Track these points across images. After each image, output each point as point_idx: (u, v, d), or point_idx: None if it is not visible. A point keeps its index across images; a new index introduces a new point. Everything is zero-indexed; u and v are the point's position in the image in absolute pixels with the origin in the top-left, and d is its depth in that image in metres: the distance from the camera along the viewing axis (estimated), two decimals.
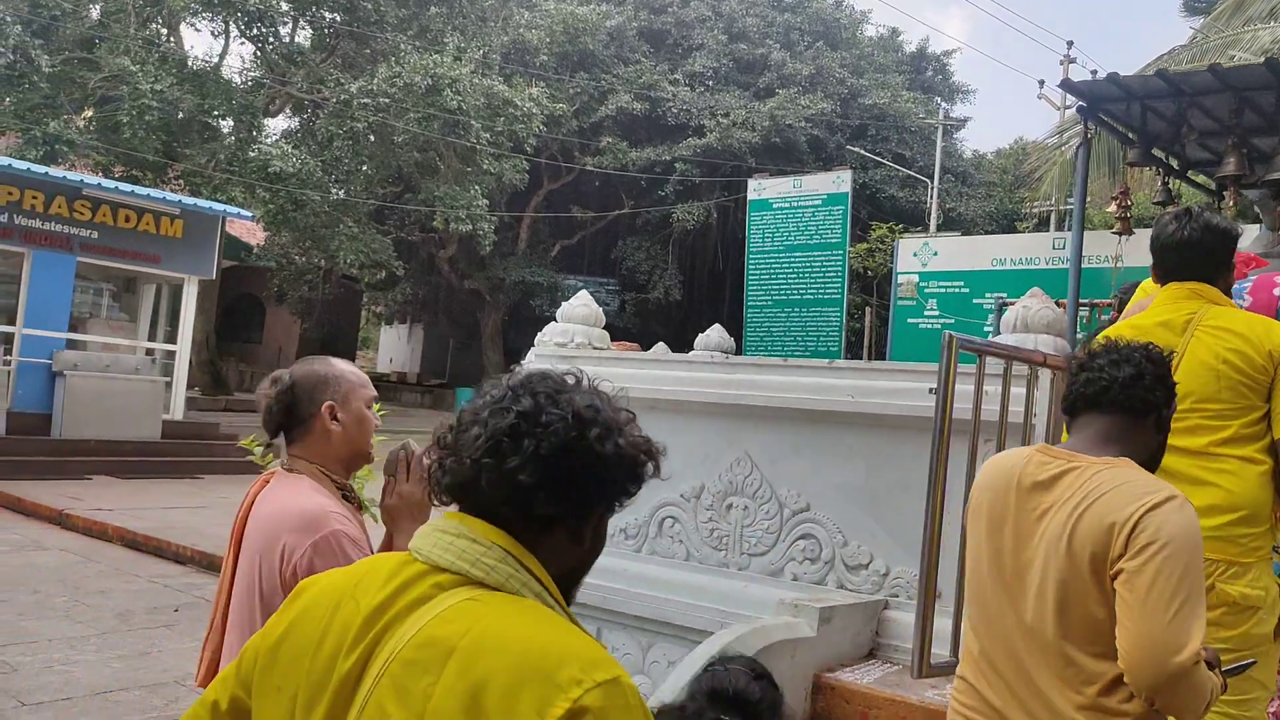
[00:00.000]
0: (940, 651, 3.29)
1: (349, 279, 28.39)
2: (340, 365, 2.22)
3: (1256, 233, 6.30)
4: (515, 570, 1.14)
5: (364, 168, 22.84)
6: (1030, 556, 1.97)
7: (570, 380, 1.26)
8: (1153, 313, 2.81)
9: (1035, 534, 1.97)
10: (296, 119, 25.30)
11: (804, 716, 3.55)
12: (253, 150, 20.15)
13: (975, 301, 15.61)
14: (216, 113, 20.83)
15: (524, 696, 1.02)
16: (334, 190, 22.41)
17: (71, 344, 13.27)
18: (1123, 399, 2.03)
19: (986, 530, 2.08)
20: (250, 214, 17.71)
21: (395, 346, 38.30)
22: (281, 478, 2.13)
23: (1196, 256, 2.75)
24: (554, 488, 1.16)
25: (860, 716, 3.46)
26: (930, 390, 3.46)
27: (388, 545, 2.09)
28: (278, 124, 26.39)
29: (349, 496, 2.17)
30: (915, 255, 17.30)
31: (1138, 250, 9.71)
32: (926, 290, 15.62)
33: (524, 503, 1.15)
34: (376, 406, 2.27)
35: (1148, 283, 5.19)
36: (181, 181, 21.08)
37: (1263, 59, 6.15)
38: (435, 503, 1.28)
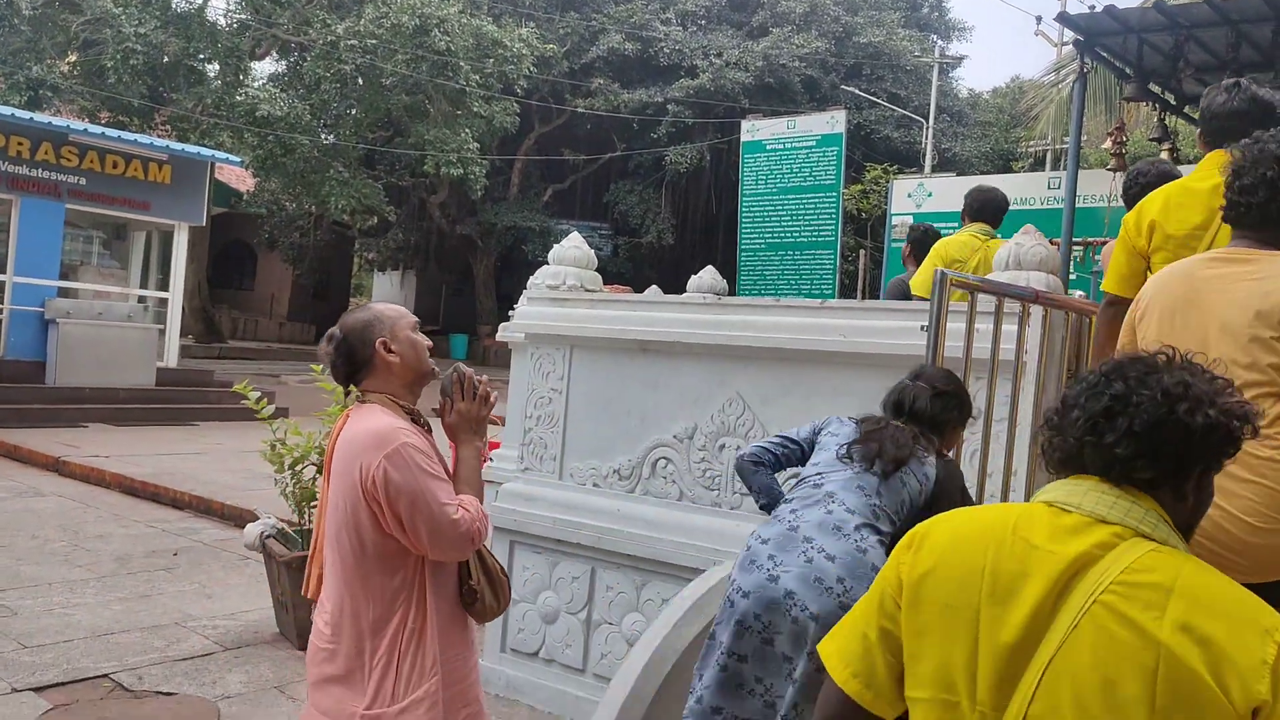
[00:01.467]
0: None
1: (340, 225, 28.20)
2: (378, 305, 2.46)
3: None
4: (1171, 531, 1.36)
5: (352, 111, 22.58)
6: None
7: (1161, 360, 1.42)
8: (1202, 176, 2.81)
9: None
10: (283, 62, 24.93)
11: None
12: (240, 94, 19.91)
13: None
14: (202, 56, 20.53)
15: (1248, 639, 1.23)
16: (323, 135, 22.19)
17: (63, 292, 13.21)
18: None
19: None
20: (239, 159, 17.54)
21: (388, 293, 38.13)
22: (356, 410, 2.38)
23: (1242, 126, 2.78)
24: (1150, 457, 1.35)
25: None
26: (922, 328, 3.46)
27: (455, 457, 2.41)
28: (264, 67, 26.01)
29: (417, 419, 2.39)
30: (910, 196, 17.18)
31: None
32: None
33: (1124, 471, 1.37)
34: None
35: (951, 239, 5.19)
36: (168, 127, 20.83)
37: None
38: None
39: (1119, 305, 2.85)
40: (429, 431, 2.42)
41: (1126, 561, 1.30)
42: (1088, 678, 1.25)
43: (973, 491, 3.55)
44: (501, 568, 2.48)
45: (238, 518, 7.67)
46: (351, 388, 2.43)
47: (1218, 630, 1.23)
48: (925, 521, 1.51)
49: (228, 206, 26.73)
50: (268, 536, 5.29)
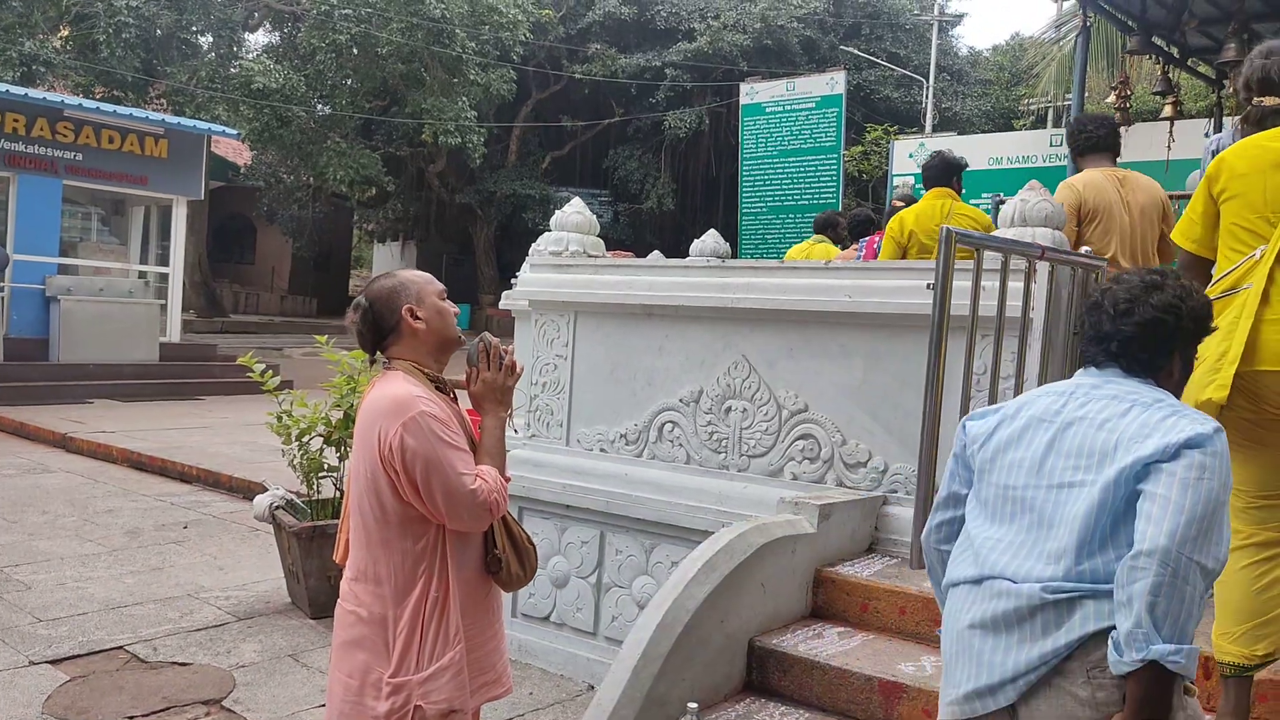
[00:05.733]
0: None
1: (339, 197, 28.03)
2: (404, 273, 2.45)
3: (1232, 125, 6.22)
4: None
5: (348, 81, 22.39)
6: None
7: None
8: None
9: None
10: (277, 33, 24.70)
11: (805, 608, 3.62)
12: (234, 66, 19.76)
13: (972, 202, 15.45)
14: (195, 28, 20.36)
15: None
16: (319, 106, 22.01)
17: (63, 269, 13.19)
18: None
19: None
20: (235, 132, 17.43)
21: (389, 264, 38.04)
22: (381, 377, 2.38)
23: None
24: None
25: (860, 607, 3.54)
26: (928, 286, 3.45)
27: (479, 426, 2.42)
28: (258, 39, 25.78)
29: (443, 386, 2.39)
30: (911, 157, 17.06)
31: (1137, 144, 9.61)
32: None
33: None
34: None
35: (908, 210, 5.20)
36: (164, 101, 20.69)
37: None
38: None
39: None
40: (455, 399, 2.42)
41: None
42: None
43: None
44: (528, 536, 2.49)
45: (246, 490, 7.70)
46: (378, 355, 2.42)
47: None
48: None
49: (225, 180, 26.66)
50: (277, 508, 5.32)
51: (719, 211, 26.76)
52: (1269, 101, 2.86)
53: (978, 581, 1.92)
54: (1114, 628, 1.72)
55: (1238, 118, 3.38)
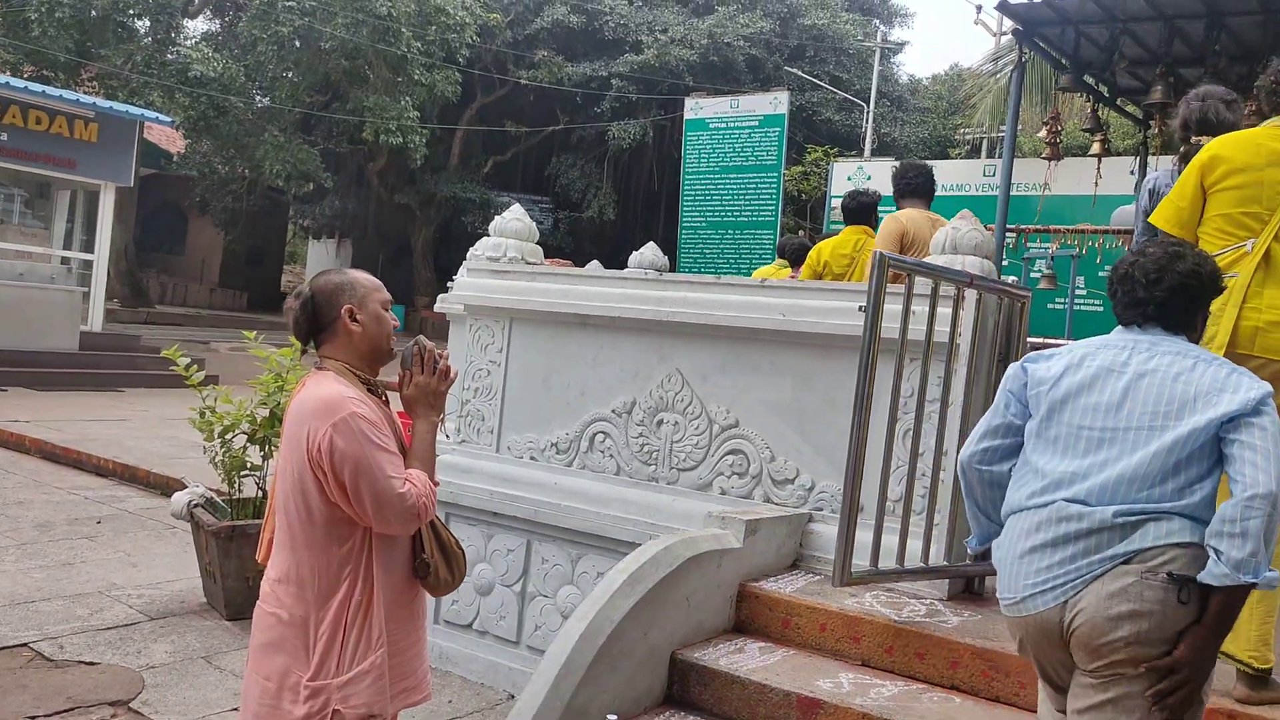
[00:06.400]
0: (860, 562, 3.40)
1: (275, 190, 27.55)
2: (354, 273, 2.43)
3: (1170, 165, 6.45)
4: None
5: (289, 74, 22.05)
6: None
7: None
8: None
9: None
10: (217, 21, 24.26)
11: (729, 622, 3.65)
12: (171, 53, 19.33)
13: None
14: (132, 11, 19.84)
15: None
16: (258, 97, 21.63)
17: None
18: None
19: None
20: (169, 119, 17.06)
21: (324, 261, 37.39)
22: (311, 376, 2.36)
23: None
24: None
25: (782, 623, 3.58)
26: (860, 309, 3.51)
27: (410, 431, 2.40)
28: (198, 26, 25.25)
29: (374, 389, 2.38)
30: (850, 179, 17.29)
31: (1066, 178, 9.90)
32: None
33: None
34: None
35: (826, 242, 5.53)
36: (96, 84, 20.15)
37: None
38: None
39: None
40: (386, 402, 2.41)
41: None
42: None
43: (903, 469, 3.63)
44: (457, 541, 2.47)
45: (164, 486, 7.52)
46: (306, 350, 2.41)
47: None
48: None
49: (158, 168, 26.04)
50: (195, 506, 5.20)
51: (660, 224, 26.88)
52: (1206, 140, 3.10)
53: (1044, 505, 2.21)
54: (1177, 545, 2.06)
55: (1177, 156, 3.60)
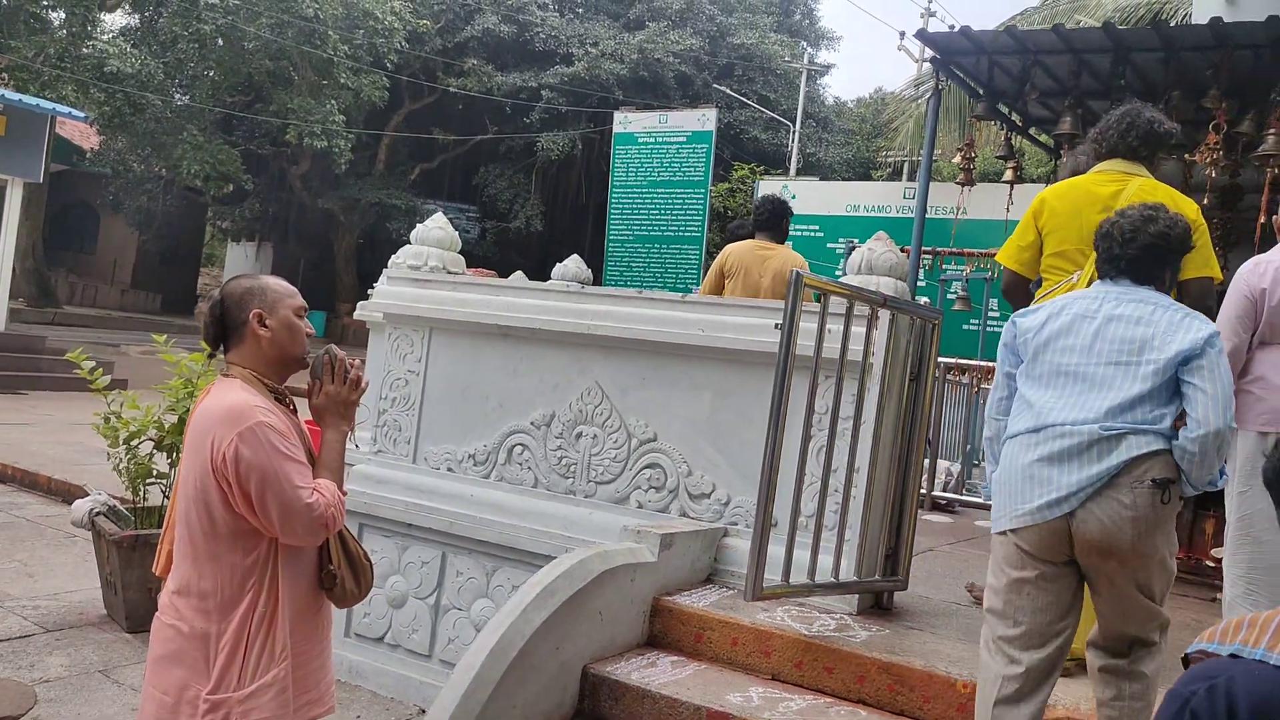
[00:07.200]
0: (772, 577, 3.44)
1: (193, 191, 26.86)
2: (268, 278, 2.39)
3: None
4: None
5: (210, 73, 21.57)
6: None
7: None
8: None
9: None
10: (137, 16, 23.57)
11: (642, 636, 3.66)
12: (87, 46, 18.75)
13: (829, 246, 16.02)
14: (46, 2, 19.21)
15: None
16: (177, 95, 21.11)
17: None
18: None
19: None
20: (83, 115, 16.52)
21: (242, 265, 36.62)
22: (217, 383, 2.32)
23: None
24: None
25: (695, 637, 3.60)
26: (776, 326, 3.56)
27: (319, 441, 2.37)
28: (115, 20, 24.52)
29: (282, 398, 2.34)
30: None
31: (980, 203, 10.17)
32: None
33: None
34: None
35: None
36: (5, 76, 19.43)
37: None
38: None
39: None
40: (294, 411, 2.37)
41: None
42: None
43: (816, 486, 3.69)
44: (365, 552, 2.44)
45: (66, 493, 7.26)
46: (215, 355, 2.37)
47: None
48: None
49: (69, 164, 25.20)
50: (97, 514, 5.03)
51: (587, 236, 26.90)
52: None
53: (1037, 430, 2.59)
54: (1152, 453, 2.47)
55: None
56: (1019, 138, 7.79)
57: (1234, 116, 6.00)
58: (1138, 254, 2.64)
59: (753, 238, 5.64)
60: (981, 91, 6.93)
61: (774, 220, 5.62)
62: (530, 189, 27.86)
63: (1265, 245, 4.01)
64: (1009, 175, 7.48)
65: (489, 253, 26.76)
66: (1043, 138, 7.88)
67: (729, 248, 5.60)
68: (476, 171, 28.66)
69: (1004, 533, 2.63)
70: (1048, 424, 2.57)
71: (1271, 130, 5.74)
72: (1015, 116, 7.50)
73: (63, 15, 20.01)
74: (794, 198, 16.83)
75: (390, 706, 4.44)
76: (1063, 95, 6.48)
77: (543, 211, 27.91)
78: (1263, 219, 5.66)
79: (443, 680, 3.85)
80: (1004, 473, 2.67)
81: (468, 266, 6.23)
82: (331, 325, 27.40)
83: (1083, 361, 2.59)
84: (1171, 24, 9.75)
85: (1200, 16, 6.72)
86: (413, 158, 28.75)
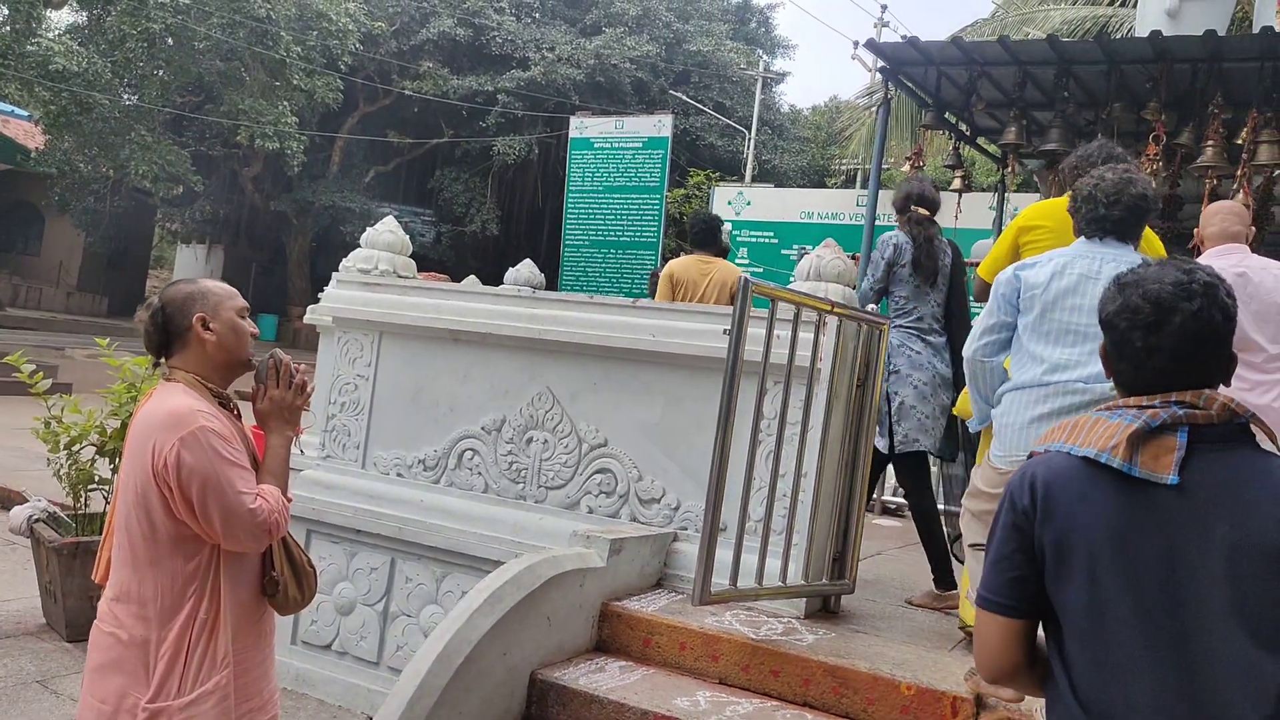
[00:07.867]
0: (720, 581, 3.45)
1: (141, 192, 26.40)
2: (207, 281, 2.37)
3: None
4: None
5: (159, 73, 21.24)
6: None
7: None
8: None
9: None
10: (84, 13, 23.13)
11: (590, 641, 3.66)
12: (32, 44, 18.38)
13: (784, 252, 16.15)
14: None
15: None
16: (125, 95, 20.75)
17: None
18: None
19: None
20: (27, 114, 16.22)
21: (192, 267, 36.01)
22: (160, 387, 2.28)
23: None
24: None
25: (643, 642, 3.61)
26: (724, 332, 3.59)
27: (264, 445, 2.35)
28: (62, 17, 24.06)
29: (226, 403, 2.32)
30: (730, 204, 17.65)
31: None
32: (739, 239, 16.05)
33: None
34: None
35: (677, 261, 5.87)
36: None
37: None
38: None
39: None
40: (239, 416, 2.35)
41: None
42: None
43: (764, 490, 3.71)
44: (309, 559, 2.42)
45: (4, 500, 7.10)
46: (160, 364, 2.33)
47: None
48: None
49: (13, 164, 24.68)
50: (36, 520, 4.94)
51: (543, 240, 26.85)
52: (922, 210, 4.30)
53: (1045, 385, 2.80)
54: None
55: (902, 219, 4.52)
56: (967, 147, 7.92)
57: (1173, 128, 6.15)
58: (1122, 214, 2.84)
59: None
60: (930, 101, 7.04)
61: (709, 236, 5.86)
62: (486, 193, 27.76)
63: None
64: (956, 184, 7.61)
65: (444, 257, 26.61)
66: (991, 147, 8.02)
67: (672, 263, 5.88)
68: (432, 175, 28.51)
69: (1004, 471, 2.87)
70: (1057, 380, 2.77)
71: (1209, 142, 5.89)
72: (963, 126, 7.63)
73: (6, 11, 19.61)
74: (749, 204, 16.96)
75: (338, 714, 4.40)
76: (1008, 106, 6.60)
77: (499, 216, 27.82)
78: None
79: (391, 688, 3.82)
80: (1009, 416, 2.90)
81: (422, 270, 6.21)
82: (283, 329, 27.07)
83: (1089, 322, 2.73)
84: (1116, 38, 9.97)
85: (1143, 31, 6.89)
86: (367, 160, 28.52)
